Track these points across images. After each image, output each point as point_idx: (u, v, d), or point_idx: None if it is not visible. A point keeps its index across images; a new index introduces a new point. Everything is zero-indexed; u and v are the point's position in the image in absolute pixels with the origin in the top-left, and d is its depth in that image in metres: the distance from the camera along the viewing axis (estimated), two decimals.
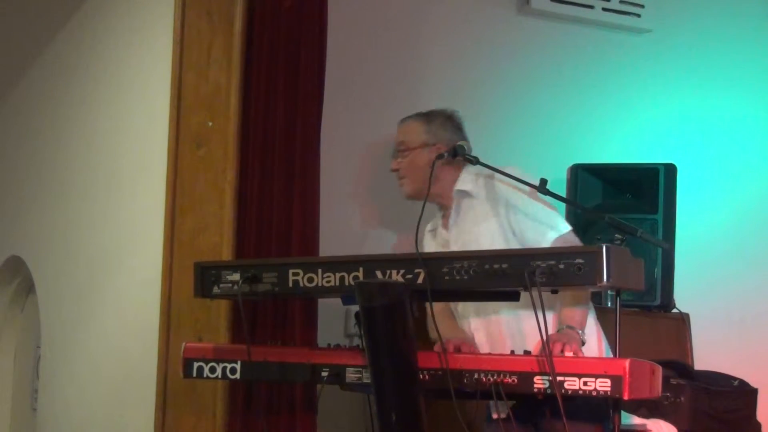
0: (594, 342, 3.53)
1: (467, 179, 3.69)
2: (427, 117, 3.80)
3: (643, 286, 3.29)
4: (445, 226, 3.74)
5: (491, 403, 3.56)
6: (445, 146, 3.70)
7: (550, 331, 3.29)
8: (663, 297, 4.74)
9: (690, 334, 4.84)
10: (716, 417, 4.47)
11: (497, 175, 3.61)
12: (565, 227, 3.55)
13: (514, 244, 3.52)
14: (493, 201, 3.60)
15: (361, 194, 4.72)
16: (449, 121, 3.80)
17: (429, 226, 3.87)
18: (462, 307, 3.69)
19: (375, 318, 3.21)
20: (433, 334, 3.52)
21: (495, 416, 3.53)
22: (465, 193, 3.68)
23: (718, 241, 5.38)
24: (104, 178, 4.84)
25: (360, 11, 4.77)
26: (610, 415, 3.24)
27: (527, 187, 3.57)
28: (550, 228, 3.52)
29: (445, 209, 3.74)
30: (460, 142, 3.66)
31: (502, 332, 3.57)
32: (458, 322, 3.70)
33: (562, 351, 3.21)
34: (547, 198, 3.58)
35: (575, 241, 3.55)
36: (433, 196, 3.68)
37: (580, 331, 3.39)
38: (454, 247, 3.65)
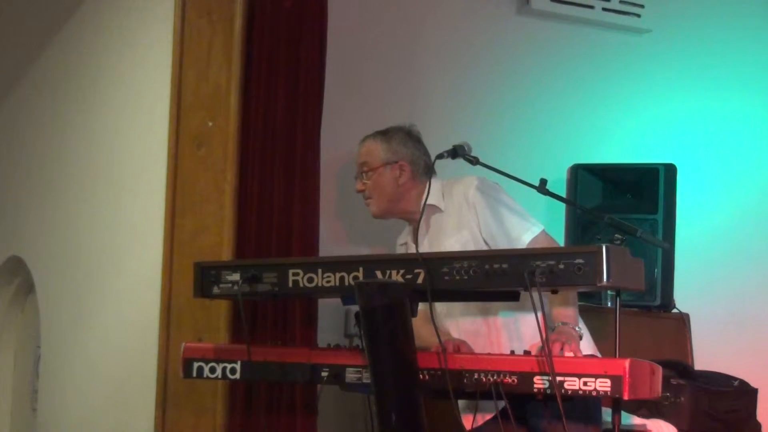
0: (588, 344, 3.53)
1: (434, 193, 3.68)
2: (386, 135, 3.81)
3: (643, 286, 3.29)
4: (415, 241, 3.74)
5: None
6: (408, 162, 3.75)
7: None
8: (663, 297, 4.74)
9: (690, 334, 4.84)
10: (716, 417, 4.47)
11: (463, 185, 3.64)
12: (538, 227, 3.55)
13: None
14: (462, 212, 3.61)
15: (361, 194, 4.71)
16: (408, 136, 3.81)
17: (400, 240, 3.89)
18: (440, 313, 3.69)
19: (375, 318, 3.21)
20: (418, 343, 3.53)
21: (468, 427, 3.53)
22: (433, 208, 3.69)
23: (718, 241, 5.39)
24: (104, 178, 4.83)
25: (360, 11, 4.77)
26: (608, 415, 3.24)
27: (494, 192, 3.60)
28: (522, 231, 3.53)
29: (413, 223, 3.74)
30: (460, 143, 3.65)
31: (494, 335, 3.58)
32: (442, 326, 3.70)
33: (562, 350, 3.22)
34: (547, 198, 3.58)
35: (549, 241, 3.55)
36: (402, 213, 3.76)
37: (576, 327, 3.40)
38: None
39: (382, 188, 3.75)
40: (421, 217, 3.61)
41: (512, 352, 3.27)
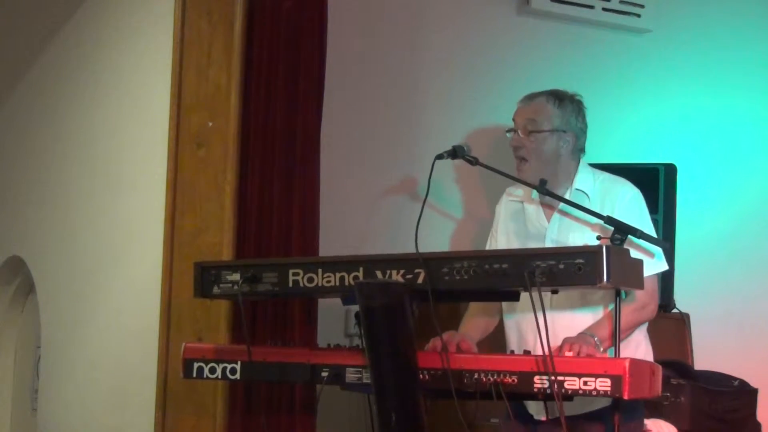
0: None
1: (586, 178, 3.59)
2: (560, 100, 3.60)
3: (643, 286, 3.29)
4: (548, 216, 3.61)
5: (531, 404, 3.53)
6: (574, 137, 3.59)
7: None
8: (663, 297, 4.72)
9: (690, 334, 4.84)
10: (716, 417, 4.47)
11: (622, 184, 3.58)
12: (657, 267, 3.44)
13: None
14: (604, 209, 3.46)
15: (361, 194, 4.72)
16: (580, 109, 3.64)
17: (514, 196, 3.70)
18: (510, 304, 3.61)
19: (375, 318, 3.21)
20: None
21: (543, 419, 3.47)
22: (581, 193, 3.57)
23: (718, 241, 5.39)
24: (104, 178, 4.84)
25: (360, 11, 4.77)
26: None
27: (640, 207, 3.54)
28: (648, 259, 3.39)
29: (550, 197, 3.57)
30: (460, 143, 3.64)
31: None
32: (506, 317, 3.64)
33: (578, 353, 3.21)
34: (547, 199, 3.57)
35: (653, 285, 3.45)
36: (545, 182, 3.54)
37: (598, 341, 3.33)
38: (549, 243, 3.56)
39: (542, 154, 3.57)
40: (423, 207, 3.41)
41: (512, 352, 3.27)
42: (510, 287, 3.18)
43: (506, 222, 3.71)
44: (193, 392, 4.03)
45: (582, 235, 3.51)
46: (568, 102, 3.61)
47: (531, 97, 3.63)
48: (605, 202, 3.53)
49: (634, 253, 3.34)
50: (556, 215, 3.59)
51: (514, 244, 3.62)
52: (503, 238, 3.69)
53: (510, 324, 3.63)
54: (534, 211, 3.64)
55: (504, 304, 3.64)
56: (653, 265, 3.45)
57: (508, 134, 3.64)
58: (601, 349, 3.33)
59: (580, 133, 3.64)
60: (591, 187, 3.59)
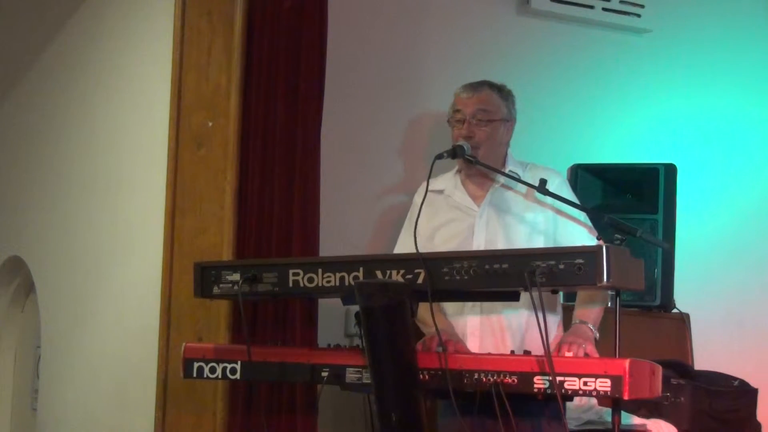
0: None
1: (515, 165, 3.69)
2: (502, 92, 3.74)
3: (643, 286, 3.29)
4: (477, 199, 3.69)
5: None
6: (512, 126, 3.74)
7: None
8: (663, 297, 4.74)
9: (690, 334, 4.84)
10: (716, 417, 4.47)
11: (550, 170, 3.67)
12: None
13: (549, 245, 3.55)
14: (539, 196, 3.55)
15: (361, 194, 4.72)
16: (514, 100, 3.77)
17: (436, 185, 3.75)
18: (455, 305, 3.67)
19: (375, 318, 3.21)
20: (426, 330, 3.52)
21: None
22: (514, 175, 3.63)
23: (718, 241, 5.39)
24: (104, 178, 4.84)
25: (360, 11, 4.77)
26: (608, 415, 3.25)
27: (569, 193, 3.62)
28: (585, 240, 3.48)
29: (479, 178, 3.68)
30: (460, 143, 3.65)
31: (503, 329, 3.57)
32: (450, 319, 3.68)
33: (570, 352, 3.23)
34: (547, 199, 3.58)
35: None
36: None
37: (592, 326, 3.40)
38: (480, 229, 3.62)
39: (494, 141, 3.66)
40: (422, 206, 3.52)
41: (512, 352, 3.27)
42: (510, 287, 3.18)
43: (428, 212, 3.72)
44: (193, 392, 4.03)
45: (516, 203, 3.61)
46: (506, 92, 3.77)
47: (474, 88, 3.72)
48: (533, 181, 3.58)
49: (573, 226, 3.52)
50: (488, 197, 3.65)
51: (441, 233, 3.68)
52: (426, 233, 3.70)
53: (457, 325, 3.65)
54: (460, 197, 3.71)
55: (449, 305, 3.66)
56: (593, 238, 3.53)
57: (450, 124, 3.72)
58: (597, 334, 3.40)
59: (515, 123, 3.77)
60: (521, 173, 3.67)
